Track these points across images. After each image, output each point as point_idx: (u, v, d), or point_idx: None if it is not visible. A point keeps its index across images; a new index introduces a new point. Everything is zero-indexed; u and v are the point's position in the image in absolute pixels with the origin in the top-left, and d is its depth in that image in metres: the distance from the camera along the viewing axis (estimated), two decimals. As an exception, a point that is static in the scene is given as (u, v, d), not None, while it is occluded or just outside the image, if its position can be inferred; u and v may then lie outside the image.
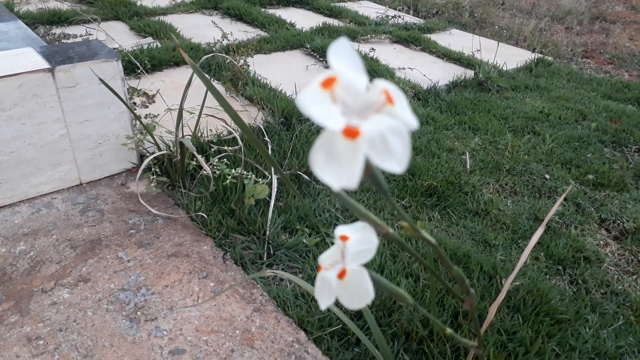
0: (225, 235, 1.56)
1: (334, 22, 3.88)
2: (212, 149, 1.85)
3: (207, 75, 1.75)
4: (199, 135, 1.94)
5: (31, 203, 1.65)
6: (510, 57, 3.39)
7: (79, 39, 3.01)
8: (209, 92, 1.70)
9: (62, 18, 3.35)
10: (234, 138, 1.91)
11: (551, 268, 1.57)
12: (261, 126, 2.07)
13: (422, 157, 2.09)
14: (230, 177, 1.65)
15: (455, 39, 3.77)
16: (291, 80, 2.63)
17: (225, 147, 1.85)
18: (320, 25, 3.69)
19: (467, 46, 3.53)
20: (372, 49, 3.31)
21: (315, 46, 3.15)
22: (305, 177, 1.83)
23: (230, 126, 1.92)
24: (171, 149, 1.77)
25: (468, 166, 2.07)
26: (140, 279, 1.38)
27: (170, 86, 2.51)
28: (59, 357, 1.14)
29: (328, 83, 0.27)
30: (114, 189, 1.76)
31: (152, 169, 1.74)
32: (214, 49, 2.95)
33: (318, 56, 3.10)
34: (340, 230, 0.39)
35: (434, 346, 1.22)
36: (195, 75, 1.57)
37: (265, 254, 1.51)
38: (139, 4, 3.88)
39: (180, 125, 1.67)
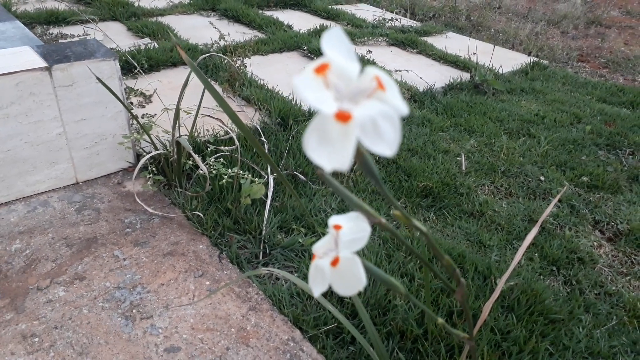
0: (221, 235, 1.57)
1: (331, 25, 3.90)
2: (209, 149, 1.86)
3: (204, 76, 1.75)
4: (196, 135, 1.94)
5: (27, 201, 1.65)
6: (506, 61, 3.42)
7: (76, 39, 3.01)
8: (206, 92, 1.70)
9: (60, 18, 3.35)
10: (231, 138, 1.92)
11: (545, 268, 1.58)
12: (258, 127, 2.07)
13: (417, 159, 2.10)
14: (226, 176, 1.65)
15: (452, 42, 3.79)
16: (288, 82, 2.64)
17: (222, 147, 1.86)
18: (318, 27, 3.71)
19: (463, 49, 3.55)
20: (369, 51, 3.32)
21: (312, 48, 3.17)
22: (302, 177, 1.84)
23: (227, 126, 1.92)
24: (168, 148, 1.77)
25: (463, 168, 2.08)
26: (136, 277, 1.38)
27: (168, 86, 2.51)
28: (55, 354, 1.14)
29: (321, 69, 0.28)
30: (111, 187, 1.76)
31: (149, 168, 1.75)
32: (212, 49, 2.96)
33: (315, 58, 3.09)
34: (334, 219, 0.40)
35: (429, 345, 1.23)
36: (192, 76, 1.57)
37: (261, 253, 1.52)
38: (136, 4, 3.89)
39: (177, 124, 1.68)
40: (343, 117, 0.26)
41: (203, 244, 1.53)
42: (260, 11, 4.06)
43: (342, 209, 1.74)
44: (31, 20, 3.26)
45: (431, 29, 4.07)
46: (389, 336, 1.26)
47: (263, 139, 1.97)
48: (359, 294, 1.28)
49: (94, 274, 1.38)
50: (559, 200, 1.92)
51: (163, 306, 1.29)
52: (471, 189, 1.93)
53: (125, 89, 1.86)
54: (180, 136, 1.72)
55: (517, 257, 0.94)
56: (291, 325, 1.27)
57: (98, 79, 1.59)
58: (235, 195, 1.65)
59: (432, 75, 3.03)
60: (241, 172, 1.67)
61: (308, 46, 3.21)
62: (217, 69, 2.71)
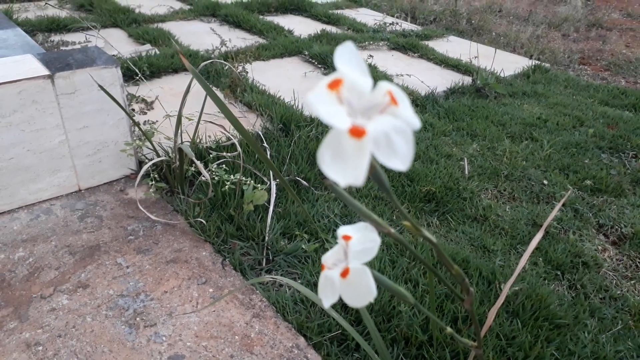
0: (224, 241, 1.56)
1: (332, 29, 3.90)
2: (211, 155, 1.86)
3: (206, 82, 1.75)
4: (198, 141, 1.94)
5: (30, 209, 1.65)
6: (507, 64, 3.42)
7: (77, 46, 3.02)
8: (207, 98, 1.70)
9: (61, 25, 3.36)
10: (233, 144, 1.92)
11: (550, 273, 1.57)
12: (260, 132, 2.07)
13: (420, 163, 2.09)
14: (229, 183, 1.65)
15: (453, 46, 3.79)
16: (290, 87, 2.64)
17: (224, 153, 1.86)
18: (319, 32, 3.71)
19: (464, 53, 3.55)
20: (370, 55, 3.32)
21: (313, 53, 3.17)
22: (304, 183, 1.84)
23: (229, 132, 1.92)
24: (170, 155, 1.77)
25: (466, 172, 2.08)
26: (139, 284, 1.38)
27: (169, 93, 2.51)
28: (58, 363, 1.14)
29: (335, 84, 0.27)
30: (113, 195, 1.76)
31: (151, 175, 1.74)
32: (213, 55, 2.96)
33: (316, 63, 3.11)
34: (343, 230, 0.40)
35: (434, 351, 1.22)
36: (194, 82, 1.57)
37: (264, 259, 1.51)
38: (137, 11, 3.90)
39: (179, 131, 1.68)
40: (357, 132, 0.26)
41: (206, 251, 1.53)
42: (261, 16, 4.07)
43: (345, 215, 1.74)
44: (32, 28, 3.27)
45: (432, 32, 4.08)
46: (393, 342, 1.25)
47: (265, 144, 1.96)
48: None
49: (97, 282, 1.38)
50: (563, 204, 1.92)
51: (167, 314, 1.29)
52: (474, 194, 1.93)
53: (127, 96, 1.87)
54: (182, 143, 1.72)
55: (521, 262, 0.93)
56: (295, 332, 1.27)
57: (100, 86, 1.59)
58: (238, 202, 1.65)
59: (433, 79, 3.03)
60: (243, 178, 1.66)
61: (309, 51, 3.21)
62: (218, 74, 2.71)
